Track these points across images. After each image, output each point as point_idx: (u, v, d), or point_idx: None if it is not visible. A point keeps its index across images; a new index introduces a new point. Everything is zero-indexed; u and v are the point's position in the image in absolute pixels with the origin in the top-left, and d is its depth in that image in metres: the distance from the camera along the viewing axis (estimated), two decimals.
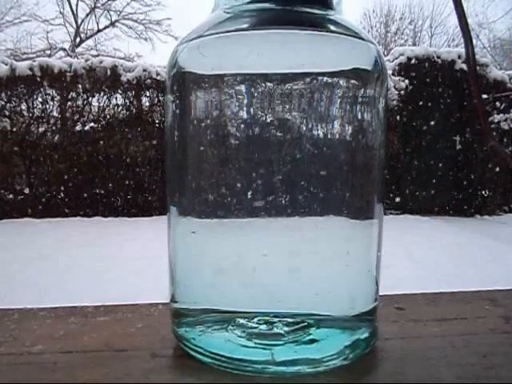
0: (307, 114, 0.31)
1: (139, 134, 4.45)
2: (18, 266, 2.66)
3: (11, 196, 4.41)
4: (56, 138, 4.41)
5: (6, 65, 4.28)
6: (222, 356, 0.29)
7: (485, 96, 4.53)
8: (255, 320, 0.31)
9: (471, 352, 0.31)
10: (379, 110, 0.32)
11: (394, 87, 4.46)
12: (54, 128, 4.44)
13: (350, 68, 0.31)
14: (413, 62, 4.57)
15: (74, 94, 4.42)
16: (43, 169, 4.40)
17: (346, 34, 0.31)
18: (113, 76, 4.40)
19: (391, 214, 4.47)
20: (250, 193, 0.30)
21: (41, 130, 4.41)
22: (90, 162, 4.38)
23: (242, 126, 0.31)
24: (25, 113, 4.40)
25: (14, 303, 0.44)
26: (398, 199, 4.64)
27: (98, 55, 7.96)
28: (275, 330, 0.31)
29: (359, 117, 0.32)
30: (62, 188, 4.42)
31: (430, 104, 4.52)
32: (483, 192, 4.81)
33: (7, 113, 4.38)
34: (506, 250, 2.98)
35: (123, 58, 7.80)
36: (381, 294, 0.34)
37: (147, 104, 4.55)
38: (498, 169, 4.65)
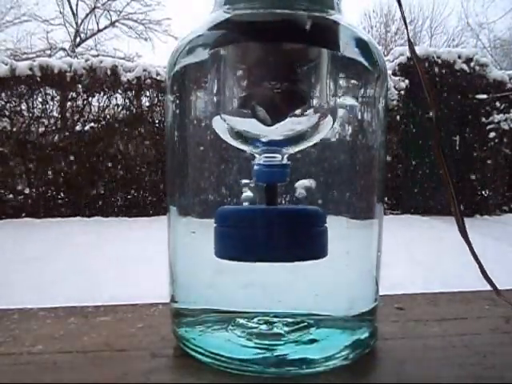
0: None
1: (139, 134, 4.45)
2: (18, 266, 2.66)
3: (11, 196, 4.41)
4: (56, 137, 4.41)
5: (6, 65, 4.28)
6: (222, 356, 0.29)
7: (485, 96, 4.53)
8: (255, 320, 0.31)
9: (471, 352, 0.31)
10: (379, 110, 0.32)
11: (394, 87, 4.46)
12: (53, 128, 4.44)
13: (350, 68, 0.31)
14: (413, 62, 4.57)
15: (74, 94, 4.42)
16: (43, 169, 4.40)
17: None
18: (113, 76, 4.39)
19: (391, 213, 4.47)
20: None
21: (41, 130, 4.41)
22: (89, 162, 4.38)
23: None
24: (25, 113, 4.40)
25: (14, 303, 0.44)
26: (398, 199, 4.64)
27: (98, 55, 7.96)
28: (275, 330, 0.31)
29: (359, 117, 0.32)
30: (62, 188, 4.42)
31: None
32: (483, 192, 4.81)
33: (7, 113, 4.38)
34: (506, 249, 2.98)
35: (123, 58, 7.79)
36: (381, 294, 0.34)
37: (147, 104, 4.54)
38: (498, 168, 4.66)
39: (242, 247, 0.29)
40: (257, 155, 0.30)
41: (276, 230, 0.29)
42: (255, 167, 0.30)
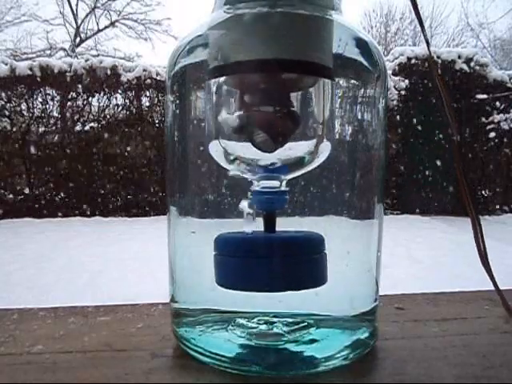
0: None
1: (139, 133, 4.45)
2: (18, 266, 2.66)
3: (11, 196, 4.41)
4: (56, 137, 4.41)
5: (6, 65, 4.28)
6: (222, 356, 0.29)
7: (485, 96, 4.53)
8: (255, 320, 0.31)
9: (471, 352, 0.31)
10: (379, 110, 0.32)
11: (394, 87, 4.46)
12: (53, 128, 4.44)
13: (350, 68, 0.31)
14: (413, 62, 4.57)
15: (74, 94, 4.42)
16: (43, 169, 4.40)
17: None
18: (113, 76, 4.39)
19: (391, 214, 4.47)
20: (249, 193, 0.30)
21: (41, 130, 4.41)
22: (90, 162, 4.38)
23: None
24: (25, 113, 4.40)
25: (14, 303, 0.44)
26: (398, 199, 4.64)
27: (98, 55, 7.96)
28: (275, 330, 0.31)
29: (359, 117, 0.32)
30: (62, 188, 4.42)
31: (429, 104, 4.52)
32: (483, 192, 4.81)
33: (7, 113, 4.38)
34: (506, 249, 2.98)
35: (123, 58, 7.79)
36: (381, 294, 0.34)
37: (147, 104, 4.54)
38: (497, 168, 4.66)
39: (242, 277, 0.29)
40: (255, 181, 0.30)
41: (275, 260, 0.29)
42: (253, 194, 0.30)
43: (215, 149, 0.30)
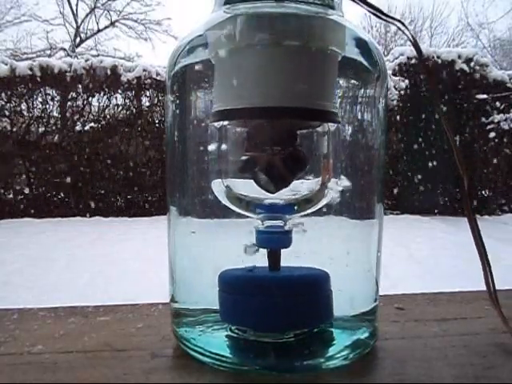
0: None
1: (139, 133, 4.45)
2: (18, 266, 2.66)
3: (11, 196, 4.40)
4: (56, 137, 4.40)
5: (6, 65, 4.28)
6: (222, 356, 0.29)
7: (485, 96, 4.53)
8: None
9: (471, 352, 0.31)
10: (379, 110, 0.32)
11: (394, 87, 4.46)
12: (54, 128, 4.44)
13: (350, 68, 0.31)
14: (413, 61, 4.57)
15: (74, 94, 4.42)
16: (43, 169, 4.40)
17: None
18: (113, 76, 4.39)
19: (391, 214, 4.47)
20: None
21: (41, 130, 4.41)
22: (90, 162, 4.38)
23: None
24: (25, 113, 4.40)
25: (14, 303, 0.44)
26: (397, 199, 4.63)
27: (98, 55, 7.96)
28: None
29: (359, 117, 0.32)
30: (62, 188, 4.42)
31: (429, 104, 4.52)
32: (483, 192, 4.81)
33: (7, 113, 4.38)
34: (506, 249, 2.98)
35: (123, 58, 7.79)
36: (381, 293, 0.34)
37: (147, 104, 4.54)
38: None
39: (244, 315, 0.29)
40: (259, 221, 0.30)
41: (279, 301, 0.29)
42: (257, 233, 0.30)
43: (218, 187, 0.30)
